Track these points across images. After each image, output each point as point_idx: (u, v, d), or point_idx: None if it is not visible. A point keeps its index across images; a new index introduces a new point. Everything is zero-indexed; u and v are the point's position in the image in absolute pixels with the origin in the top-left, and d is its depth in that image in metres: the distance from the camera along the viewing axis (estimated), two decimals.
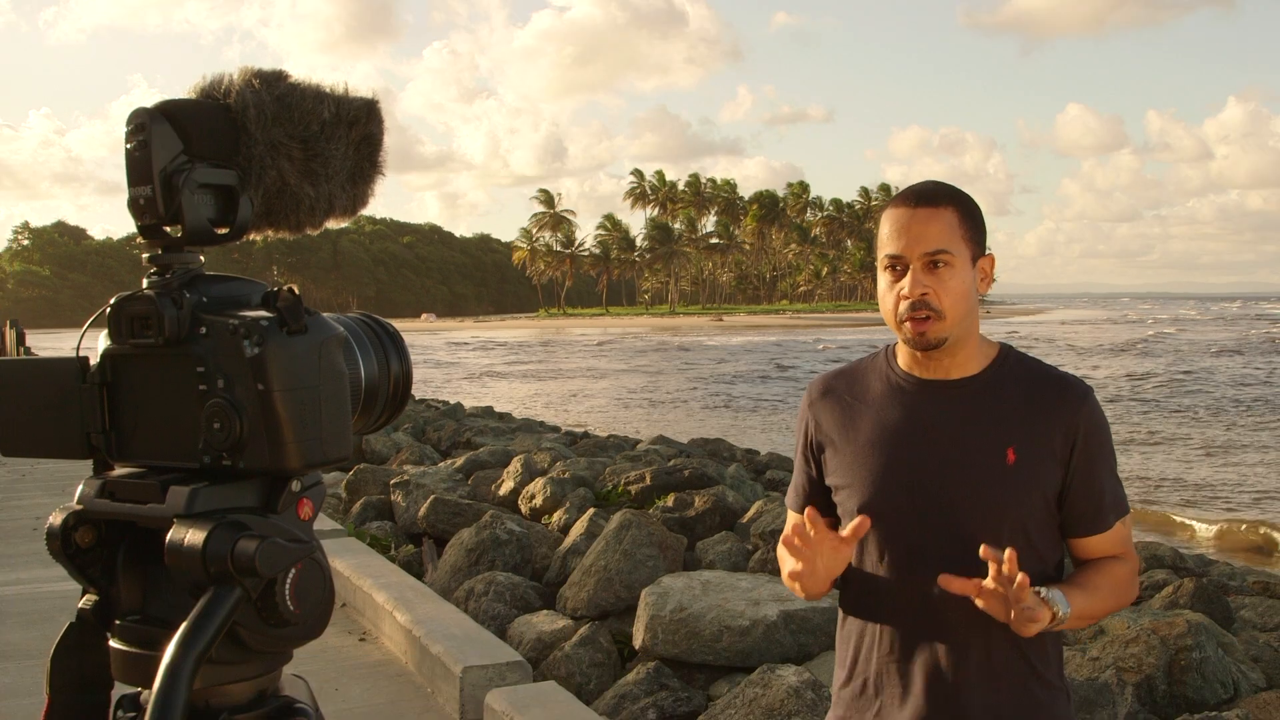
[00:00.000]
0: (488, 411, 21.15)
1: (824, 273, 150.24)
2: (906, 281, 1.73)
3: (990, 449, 1.74)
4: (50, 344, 53.30)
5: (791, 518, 1.99)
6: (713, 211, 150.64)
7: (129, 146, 1.03)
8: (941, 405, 1.79)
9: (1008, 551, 1.62)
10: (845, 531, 1.73)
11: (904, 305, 1.73)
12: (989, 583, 1.63)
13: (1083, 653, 4.76)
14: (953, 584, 1.66)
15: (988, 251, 1.81)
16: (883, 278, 1.79)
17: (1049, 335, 72.17)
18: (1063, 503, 1.78)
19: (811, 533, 1.72)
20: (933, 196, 1.75)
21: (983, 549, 1.64)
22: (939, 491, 1.75)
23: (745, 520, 7.69)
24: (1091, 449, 1.76)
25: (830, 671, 4.61)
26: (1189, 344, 60.50)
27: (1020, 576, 1.61)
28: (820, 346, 61.04)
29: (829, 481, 1.89)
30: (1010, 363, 1.82)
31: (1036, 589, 1.67)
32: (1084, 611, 1.74)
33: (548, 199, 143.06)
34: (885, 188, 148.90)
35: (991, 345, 1.84)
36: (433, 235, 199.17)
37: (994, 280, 1.83)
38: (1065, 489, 1.76)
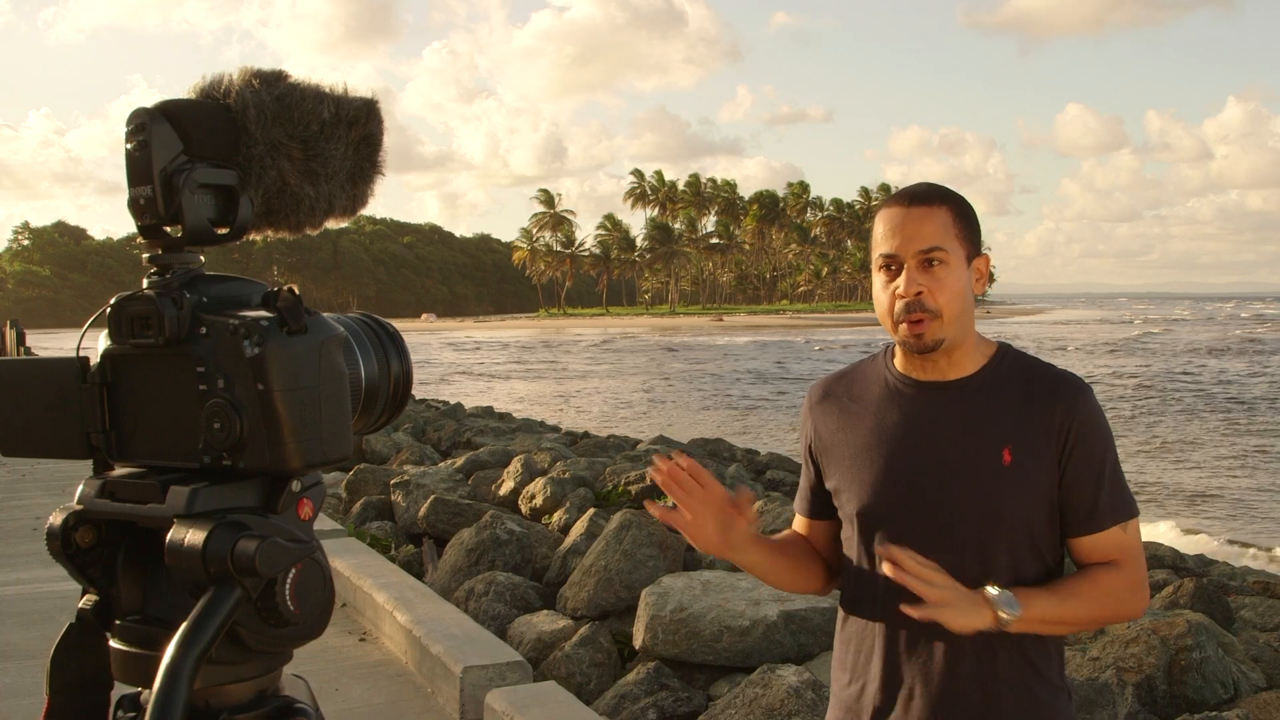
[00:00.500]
0: (488, 411, 21.16)
1: (824, 273, 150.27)
2: (901, 280, 1.72)
3: (987, 450, 1.73)
4: (50, 344, 53.31)
5: (798, 521, 1.99)
6: (713, 211, 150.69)
7: (129, 146, 1.03)
8: (938, 406, 1.78)
9: (904, 553, 1.64)
10: (739, 497, 1.78)
11: (899, 305, 1.73)
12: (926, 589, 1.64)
13: (1083, 653, 4.76)
14: (913, 611, 1.66)
15: (983, 251, 1.81)
16: (877, 278, 1.78)
17: (1037, 335, 72.83)
18: (1059, 502, 1.76)
19: (681, 464, 1.76)
20: (926, 196, 1.75)
21: (882, 548, 1.68)
22: (936, 493, 1.74)
23: None
24: (1086, 446, 1.73)
25: (829, 671, 4.62)
26: (1169, 344, 61.17)
27: (932, 581, 1.62)
28: (817, 348, 61.14)
29: (828, 485, 1.89)
30: (1007, 362, 1.80)
31: (985, 589, 1.66)
32: (1046, 616, 1.69)
33: (548, 199, 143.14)
34: (885, 187, 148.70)
35: (989, 345, 1.83)
36: (433, 235, 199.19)
37: (993, 280, 1.82)
38: (1061, 488, 1.74)
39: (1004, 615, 1.65)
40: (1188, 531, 13.47)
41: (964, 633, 1.66)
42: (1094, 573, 1.75)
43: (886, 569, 1.67)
